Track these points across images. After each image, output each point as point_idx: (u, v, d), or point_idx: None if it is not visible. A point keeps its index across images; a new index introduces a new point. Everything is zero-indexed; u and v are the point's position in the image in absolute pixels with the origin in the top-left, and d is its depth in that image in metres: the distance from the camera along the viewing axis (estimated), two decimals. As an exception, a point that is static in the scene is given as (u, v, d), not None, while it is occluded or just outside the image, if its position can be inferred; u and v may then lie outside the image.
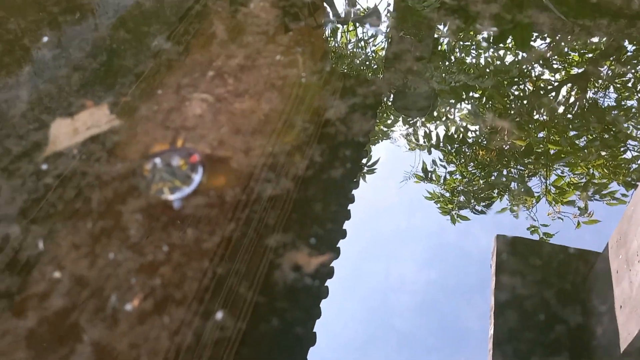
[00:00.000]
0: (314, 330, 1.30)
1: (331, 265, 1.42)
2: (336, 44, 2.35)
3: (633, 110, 1.93)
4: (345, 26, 2.42)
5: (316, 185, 1.62)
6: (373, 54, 2.29)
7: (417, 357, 1.35)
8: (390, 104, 2.03)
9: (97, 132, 1.65)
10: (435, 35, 2.29)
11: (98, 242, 1.35)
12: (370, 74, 2.15)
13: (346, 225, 1.58)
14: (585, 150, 1.80)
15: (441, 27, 2.33)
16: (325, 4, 2.50)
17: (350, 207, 1.64)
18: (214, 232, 1.40)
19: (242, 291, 1.30)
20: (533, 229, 1.60)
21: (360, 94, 1.92)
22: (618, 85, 2.04)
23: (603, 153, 1.78)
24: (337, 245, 1.50)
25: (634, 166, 1.75)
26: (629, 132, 1.86)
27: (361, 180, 1.73)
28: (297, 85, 1.92)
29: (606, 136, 1.84)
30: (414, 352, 1.35)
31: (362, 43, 2.36)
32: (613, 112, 1.93)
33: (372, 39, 2.38)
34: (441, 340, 1.38)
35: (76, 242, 1.34)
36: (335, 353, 1.32)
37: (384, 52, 2.29)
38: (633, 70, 2.12)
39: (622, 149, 1.79)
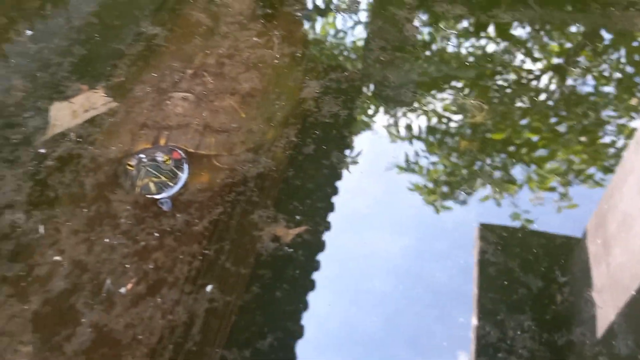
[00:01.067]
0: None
1: (319, 249, 1.51)
2: (315, 36, 2.35)
3: (610, 97, 1.96)
4: (324, 17, 2.42)
5: (301, 170, 1.69)
6: (353, 45, 2.29)
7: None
8: (370, 95, 2.04)
9: (94, 114, 1.72)
10: (416, 24, 2.30)
11: (93, 228, 1.44)
12: (350, 66, 2.15)
13: (330, 217, 1.59)
14: (565, 137, 1.82)
15: (422, 17, 2.34)
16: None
17: (333, 199, 1.65)
18: (203, 217, 1.49)
19: (230, 267, 1.39)
20: (515, 215, 1.62)
21: (339, 85, 1.93)
22: (595, 74, 2.06)
23: (582, 139, 1.80)
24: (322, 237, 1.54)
25: (612, 151, 1.77)
26: (606, 118, 1.89)
27: (344, 171, 1.73)
28: (276, 75, 1.95)
29: (585, 122, 1.86)
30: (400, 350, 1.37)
31: (342, 34, 2.36)
32: (591, 98, 1.96)
33: (352, 29, 2.38)
34: (423, 337, 1.39)
35: (74, 227, 1.44)
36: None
37: (363, 42, 2.29)
38: (608, 59, 2.14)
39: (600, 135, 1.82)
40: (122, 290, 1.31)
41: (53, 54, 1.96)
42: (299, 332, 1.33)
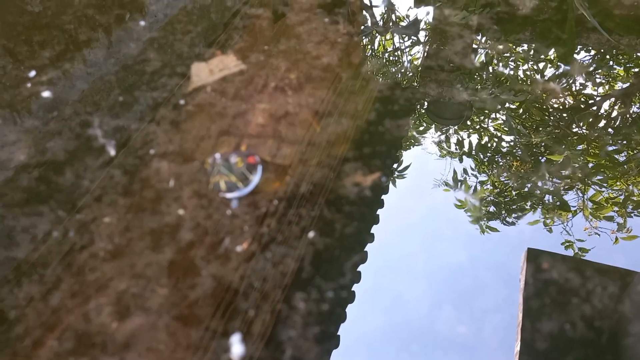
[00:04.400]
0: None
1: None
2: (373, 53, 2.36)
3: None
4: (382, 36, 2.43)
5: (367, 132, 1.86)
6: (409, 63, 2.29)
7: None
8: (423, 111, 2.02)
9: (227, 73, 2.01)
10: (474, 46, 2.27)
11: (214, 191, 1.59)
12: (405, 82, 2.14)
13: (372, 229, 1.58)
14: (625, 166, 1.73)
15: (479, 38, 2.31)
16: (364, 13, 2.52)
17: (379, 211, 1.64)
18: (303, 181, 1.68)
19: (327, 214, 1.57)
20: (568, 243, 1.55)
21: (394, 100, 1.92)
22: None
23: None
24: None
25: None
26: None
27: (390, 185, 1.72)
28: (341, 51, 2.18)
29: (648, 152, 1.77)
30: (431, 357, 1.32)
31: (399, 52, 2.36)
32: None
33: (409, 48, 2.38)
34: (464, 353, 1.34)
35: (197, 190, 1.60)
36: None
37: (419, 61, 2.28)
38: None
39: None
40: (238, 248, 1.45)
41: (171, 33, 2.28)
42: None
